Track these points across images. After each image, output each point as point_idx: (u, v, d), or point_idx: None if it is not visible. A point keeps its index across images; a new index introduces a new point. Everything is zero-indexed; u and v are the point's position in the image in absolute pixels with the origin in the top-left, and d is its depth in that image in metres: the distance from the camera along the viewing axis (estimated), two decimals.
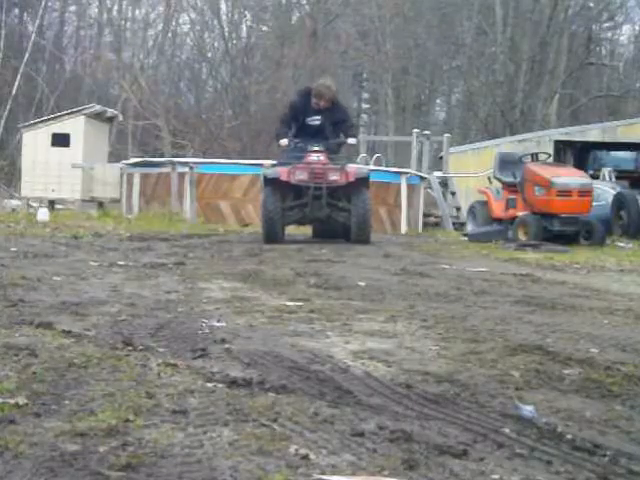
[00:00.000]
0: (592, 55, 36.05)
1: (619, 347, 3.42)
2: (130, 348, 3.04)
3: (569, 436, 2.13)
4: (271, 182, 9.71)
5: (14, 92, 26.75)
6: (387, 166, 19.26)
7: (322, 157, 9.77)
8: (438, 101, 43.97)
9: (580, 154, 24.19)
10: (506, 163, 12.75)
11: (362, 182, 9.84)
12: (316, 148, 9.79)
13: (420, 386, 2.64)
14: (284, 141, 9.98)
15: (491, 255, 9.17)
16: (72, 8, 34.14)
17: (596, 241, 11.64)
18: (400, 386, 2.63)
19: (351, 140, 10.30)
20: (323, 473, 1.82)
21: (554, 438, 2.13)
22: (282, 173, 9.64)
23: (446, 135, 21.45)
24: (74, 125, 18.05)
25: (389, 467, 1.87)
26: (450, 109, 42.61)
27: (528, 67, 32.47)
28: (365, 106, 44.35)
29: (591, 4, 35.56)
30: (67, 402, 2.32)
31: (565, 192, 11.51)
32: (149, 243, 9.04)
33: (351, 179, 9.70)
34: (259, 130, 27.35)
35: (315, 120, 9.99)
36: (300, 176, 9.60)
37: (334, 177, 9.65)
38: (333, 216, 9.86)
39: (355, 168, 10.49)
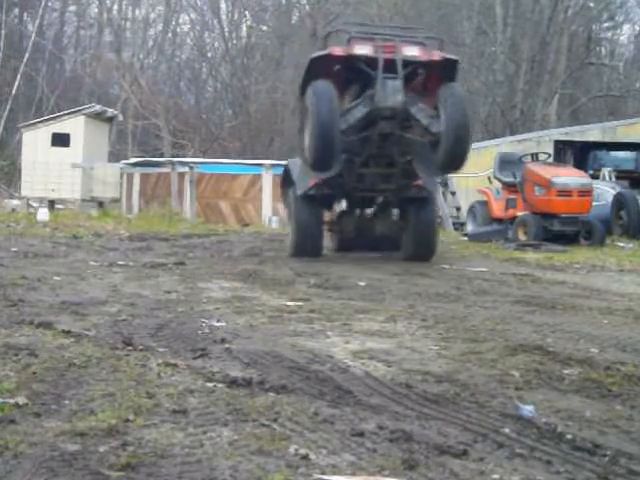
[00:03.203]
0: (592, 55, 36.04)
1: (619, 347, 3.42)
2: (130, 348, 3.04)
3: (569, 436, 2.13)
4: (319, 69, 6.83)
5: (14, 92, 26.74)
6: None
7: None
8: None
9: (580, 154, 24.17)
10: (506, 163, 12.75)
11: (452, 69, 6.96)
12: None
13: (420, 386, 2.63)
14: None
15: (491, 255, 9.17)
16: (72, 8, 34.13)
17: (596, 241, 11.64)
18: (400, 386, 2.63)
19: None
20: (323, 473, 1.82)
21: (554, 438, 2.13)
22: (334, 49, 6.90)
23: None
24: (74, 125, 18.06)
25: (389, 467, 1.87)
26: None
27: (528, 67, 32.46)
28: None
29: (591, 4, 35.55)
30: (67, 402, 2.32)
31: (565, 192, 11.52)
32: (149, 243, 9.04)
33: (436, 58, 6.88)
34: (259, 130, 27.36)
35: None
36: (362, 49, 6.81)
37: (412, 52, 6.87)
38: (411, 111, 6.84)
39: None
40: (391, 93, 6.76)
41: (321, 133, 6.60)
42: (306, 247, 7.63)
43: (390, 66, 6.73)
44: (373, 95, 6.79)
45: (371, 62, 6.77)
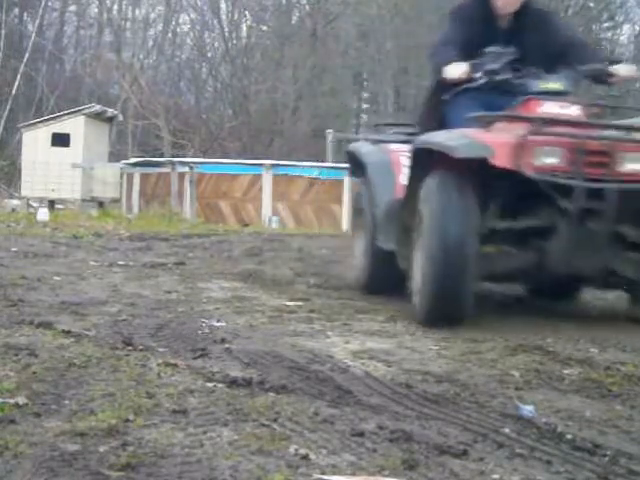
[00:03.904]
0: None
1: (619, 347, 3.42)
2: (130, 348, 3.04)
3: (569, 436, 2.13)
4: (450, 170, 3.82)
5: (14, 92, 26.72)
6: None
7: (578, 110, 4.01)
8: None
9: None
10: None
11: None
12: (555, 86, 4.10)
13: (420, 386, 2.63)
14: (459, 67, 4.17)
15: None
16: (72, 8, 34.09)
17: None
18: (400, 386, 2.63)
19: (623, 68, 4.32)
20: (323, 473, 1.82)
21: (554, 438, 2.13)
22: (498, 148, 3.67)
23: None
24: (74, 125, 18.05)
25: (389, 467, 1.87)
26: None
27: None
28: (365, 106, 44.34)
29: (591, 4, 35.57)
30: (67, 402, 2.31)
31: None
32: (149, 243, 9.03)
33: None
34: (259, 130, 27.35)
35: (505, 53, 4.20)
36: (551, 158, 3.72)
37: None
38: (615, 269, 3.97)
39: None
40: (586, 248, 3.83)
41: (443, 278, 3.75)
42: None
43: (594, 195, 3.74)
44: (551, 238, 3.85)
45: (560, 187, 3.71)
